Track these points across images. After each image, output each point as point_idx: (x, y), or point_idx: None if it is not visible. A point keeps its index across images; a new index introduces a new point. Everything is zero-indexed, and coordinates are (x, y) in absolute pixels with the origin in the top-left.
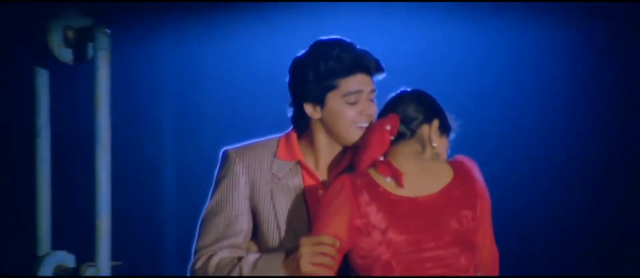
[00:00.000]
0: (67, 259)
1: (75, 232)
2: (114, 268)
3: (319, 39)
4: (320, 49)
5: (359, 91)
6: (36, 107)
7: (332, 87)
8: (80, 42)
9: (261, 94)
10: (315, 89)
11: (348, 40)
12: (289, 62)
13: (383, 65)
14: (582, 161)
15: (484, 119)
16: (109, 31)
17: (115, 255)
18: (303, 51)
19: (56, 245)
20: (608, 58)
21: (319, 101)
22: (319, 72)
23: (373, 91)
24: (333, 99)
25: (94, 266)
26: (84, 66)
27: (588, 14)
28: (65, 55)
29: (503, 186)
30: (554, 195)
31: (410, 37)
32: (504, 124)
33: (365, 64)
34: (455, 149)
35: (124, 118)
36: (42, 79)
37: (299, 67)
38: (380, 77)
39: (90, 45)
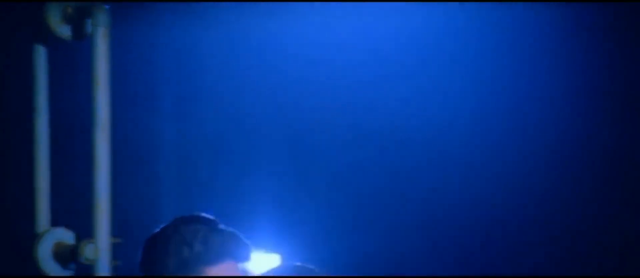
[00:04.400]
0: (66, 236)
1: (75, 209)
2: (114, 245)
3: (180, 216)
4: (183, 229)
5: None
6: (35, 84)
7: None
8: (79, 18)
9: (263, 71)
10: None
11: (212, 218)
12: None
13: (251, 253)
14: (581, 162)
15: (483, 119)
16: (107, 7)
17: (115, 232)
18: (160, 229)
19: (55, 221)
20: (607, 58)
21: None
22: (181, 258)
23: None
24: None
25: (93, 243)
26: (85, 43)
27: (587, 13)
28: (64, 31)
29: (502, 186)
30: (553, 195)
31: (410, 36)
32: (503, 124)
33: (235, 251)
34: (455, 149)
35: (125, 94)
36: (41, 55)
37: (156, 250)
38: (247, 266)
39: (89, 21)
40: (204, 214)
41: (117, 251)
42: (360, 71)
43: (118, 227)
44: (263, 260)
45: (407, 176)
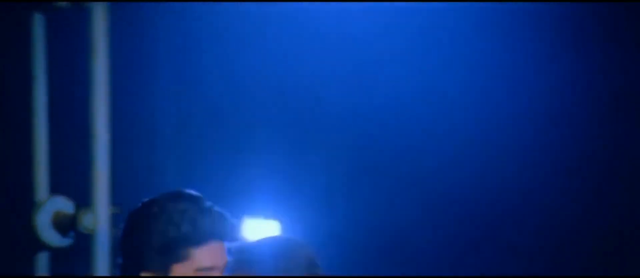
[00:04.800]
0: (65, 205)
1: (74, 178)
2: (113, 215)
3: (165, 192)
4: (170, 208)
5: (213, 268)
6: (33, 51)
7: (180, 258)
8: None
9: (265, 41)
10: (159, 258)
11: (198, 195)
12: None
13: (239, 233)
14: (581, 162)
15: (481, 120)
16: None
17: (114, 201)
18: (143, 204)
19: (55, 191)
20: (607, 57)
21: (162, 271)
22: (166, 238)
23: (226, 263)
24: (180, 271)
25: (92, 212)
26: (84, 10)
27: (587, 13)
28: None
29: (501, 186)
30: (553, 196)
31: (410, 36)
32: (502, 125)
33: (222, 231)
34: (456, 149)
35: (124, 63)
36: (39, 22)
37: (139, 228)
38: (233, 246)
39: None
40: (190, 191)
41: (116, 220)
42: (361, 42)
43: (117, 196)
44: (261, 226)
45: (407, 147)
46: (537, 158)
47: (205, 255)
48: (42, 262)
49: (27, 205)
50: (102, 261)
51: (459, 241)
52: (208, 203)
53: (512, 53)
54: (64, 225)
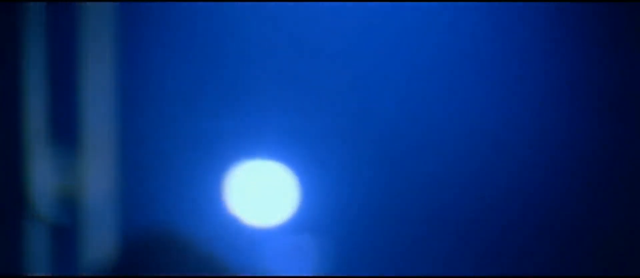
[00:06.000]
0: (64, 174)
1: (74, 142)
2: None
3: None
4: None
5: None
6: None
7: None
8: None
9: (268, 17)
10: None
11: (185, 238)
12: None
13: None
14: (581, 162)
15: (481, 119)
16: None
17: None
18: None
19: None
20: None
21: None
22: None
23: None
24: None
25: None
26: None
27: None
28: None
29: (500, 186)
30: (552, 195)
31: (407, 35)
32: (502, 123)
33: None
34: (455, 148)
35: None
36: None
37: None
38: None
39: None
40: (176, 233)
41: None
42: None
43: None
44: (267, 169)
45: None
46: (538, 157)
47: None
48: (39, 237)
49: (23, 174)
50: (102, 236)
51: (458, 240)
52: (192, 243)
53: (513, 53)
54: (62, 195)
